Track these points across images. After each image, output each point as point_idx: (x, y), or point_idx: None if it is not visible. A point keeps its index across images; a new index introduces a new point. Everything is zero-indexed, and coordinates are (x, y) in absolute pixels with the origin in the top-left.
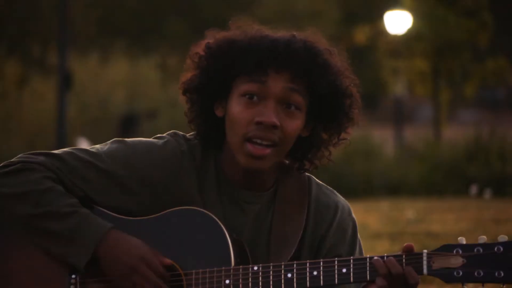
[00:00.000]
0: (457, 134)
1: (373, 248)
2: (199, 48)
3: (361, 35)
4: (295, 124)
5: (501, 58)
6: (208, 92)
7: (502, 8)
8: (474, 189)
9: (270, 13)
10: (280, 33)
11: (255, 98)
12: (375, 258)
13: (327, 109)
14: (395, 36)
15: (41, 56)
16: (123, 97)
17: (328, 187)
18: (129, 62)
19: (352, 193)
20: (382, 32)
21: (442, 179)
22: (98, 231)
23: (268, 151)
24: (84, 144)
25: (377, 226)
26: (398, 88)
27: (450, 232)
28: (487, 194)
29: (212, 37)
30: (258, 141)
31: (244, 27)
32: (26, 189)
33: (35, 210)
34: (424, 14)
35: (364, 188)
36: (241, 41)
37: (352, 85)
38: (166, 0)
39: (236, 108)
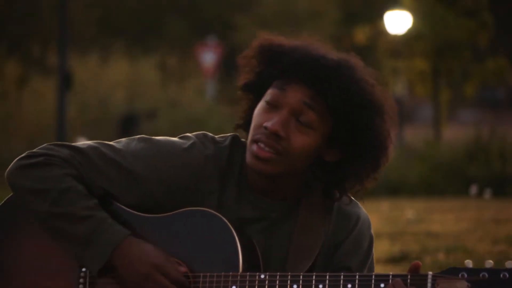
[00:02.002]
0: (457, 134)
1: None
2: (252, 48)
3: (361, 35)
4: (302, 140)
5: (501, 58)
6: (253, 91)
7: (502, 8)
8: (474, 189)
9: (270, 13)
10: (332, 53)
11: (272, 104)
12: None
13: (348, 139)
14: (395, 36)
15: (41, 56)
16: (123, 97)
17: (353, 198)
18: (129, 62)
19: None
20: (382, 32)
21: (442, 179)
22: (114, 239)
23: (270, 155)
24: None
25: (377, 226)
26: (398, 88)
27: (450, 232)
28: (487, 194)
29: (266, 38)
30: (262, 145)
31: (307, 41)
32: (46, 186)
33: (53, 208)
34: (424, 14)
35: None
36: (284, 48)
37: (384, 125)
38: (166, 0)
39: (257, 110)
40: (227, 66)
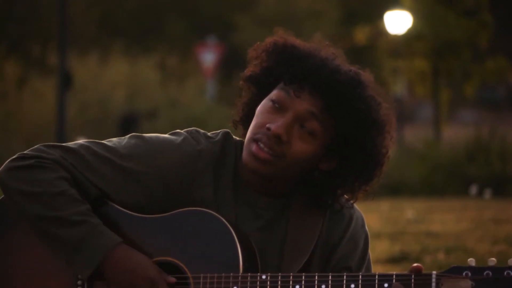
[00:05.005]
0: (457, 134)
1: (373, 248)
2: (266, 43)
3: (361, 35)
4: (303, 147)
5: (501, 58)
6: (257, 85)
7: (502, 8)
8: (474, 189)
9: (270, 13)
10: (345, 64)
11: (278, 106)
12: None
13: (346, 152)
14: (395, 36)
15: (41, 56)
16: (123, 97)
17: (345, 196)
18: (129, 62)
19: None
20: (382, 32)
21: (442, 179)
22: (106, 245)
23: (268, 156)
24: None
25: (377, 226)
26: (398, 88)
27: (450, 232)
28: (487, 194)
29: (282, 36)
30: (261, 145)
31: (320, 45)
32: (38, 189)
33: (44, 212)
34: (424, 14)
35: None
36: (299, 50)
37: (383, 143)
38: (166, 0)
39: (261, 108)
40: (227, 66)
